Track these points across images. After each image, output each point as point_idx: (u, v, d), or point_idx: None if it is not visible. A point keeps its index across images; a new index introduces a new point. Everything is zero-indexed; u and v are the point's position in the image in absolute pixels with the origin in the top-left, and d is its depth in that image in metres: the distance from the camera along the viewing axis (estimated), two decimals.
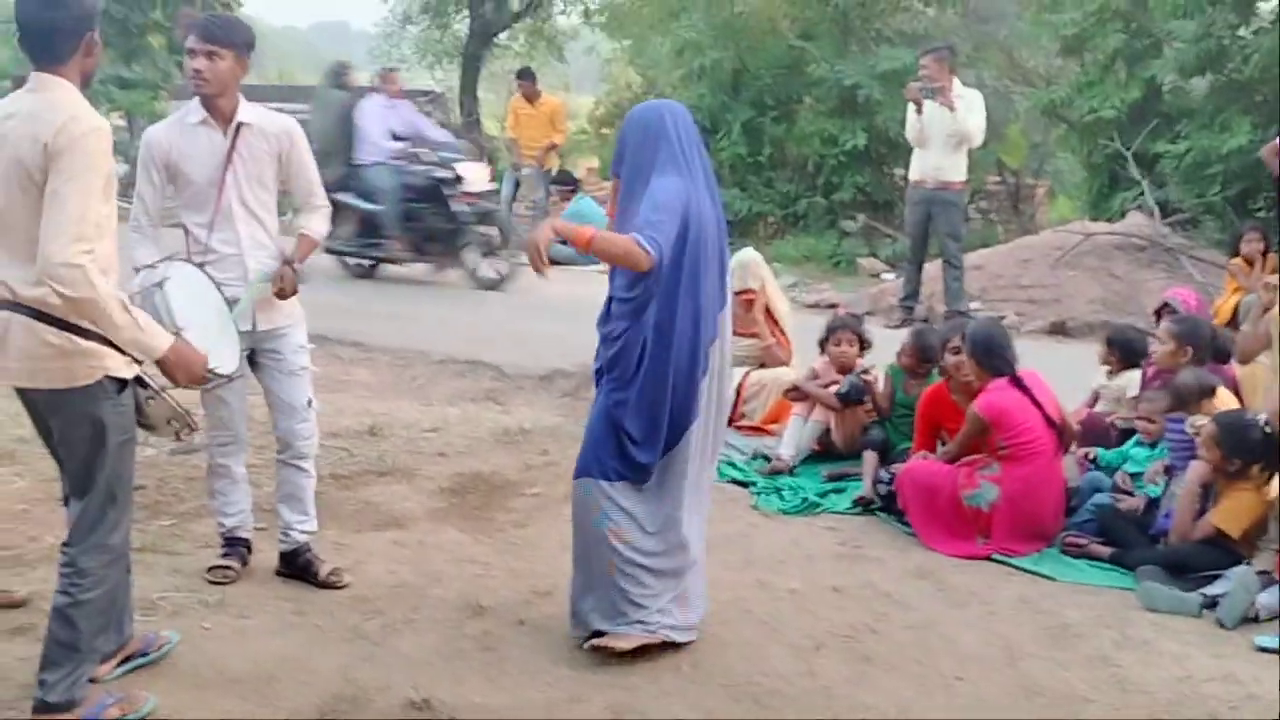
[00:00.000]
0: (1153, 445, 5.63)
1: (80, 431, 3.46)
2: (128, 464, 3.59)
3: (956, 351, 5.80)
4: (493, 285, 11.63)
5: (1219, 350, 5.83)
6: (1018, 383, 5.44)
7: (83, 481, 3.51)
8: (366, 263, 12.10)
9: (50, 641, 3.50)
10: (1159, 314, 6.68)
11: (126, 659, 3.88)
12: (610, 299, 4.16)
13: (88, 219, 3.24)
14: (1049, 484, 5.44)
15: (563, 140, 15.88)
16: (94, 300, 3.23)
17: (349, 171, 11.78)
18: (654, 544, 4.13)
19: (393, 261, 11.93)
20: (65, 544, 3.54)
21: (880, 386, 6.53)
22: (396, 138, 12.00)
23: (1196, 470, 5.11)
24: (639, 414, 4.05)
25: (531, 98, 15.17)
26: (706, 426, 4.16)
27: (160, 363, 3.45)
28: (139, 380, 3.56)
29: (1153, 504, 5.40)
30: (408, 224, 11.79)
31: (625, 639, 4.10)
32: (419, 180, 11.79)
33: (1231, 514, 4.98)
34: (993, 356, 5.53)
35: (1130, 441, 5.76)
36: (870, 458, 6.12)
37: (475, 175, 12.20)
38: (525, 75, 15.55)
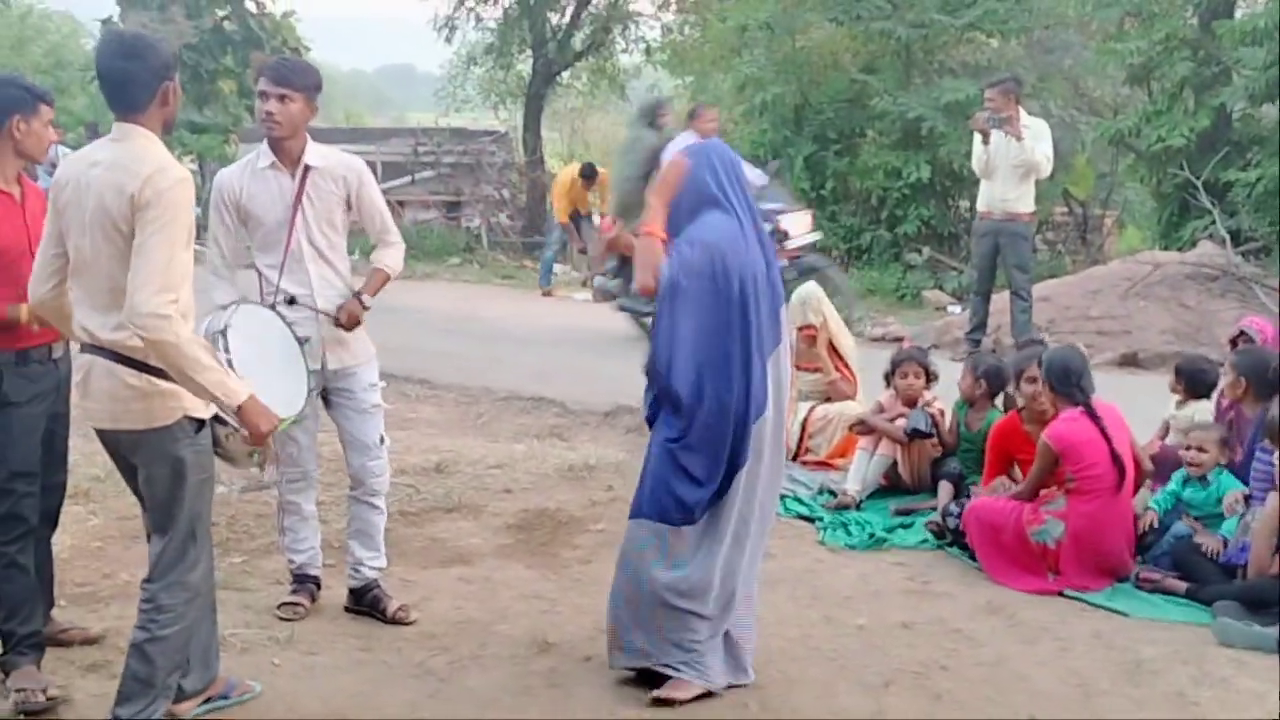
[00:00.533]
0: (1202, 479, 5.51)
1: (161, 470, 3.53)
2: (206, 502, 3.66)
3: (1033, 380, 5.74)
4: None
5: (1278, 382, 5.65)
6: (1091, 413, 5.35)
7: (163, 519, 3.57)
8: None
9: (127, 676, 3.56)
10: (1234, 343, 6.55)
11: (208, 699, 3.92)
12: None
13: (173, 269, 3.33)
14: (1116, 520, 5.33)
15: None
16: (178, 346, 3.31)
17: None
18: (700, 587, 4.07)
19: None
20: (146, 580, 3.60)
21: (947, 422, 6.48)
22: None
23: (1275, 502, 4.99)
24: (698, 452, 4.03)
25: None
26: (758, 468, 4.11)
27: (239, 411, 3.50)
28: (217, 418, 3.62)
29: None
30: None
31: (684, 689, 4.05)
32: None
33: None
34: (1068, 384, 5.44)
35: (1176, 478, 5.63)
36: (945, 488, 6.10)
37: (798, 227, 10.56)
38: (588, 173, 15.46)
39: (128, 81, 3.47)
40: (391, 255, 4.78)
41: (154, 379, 3.44)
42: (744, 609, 4.21)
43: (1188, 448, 5.57)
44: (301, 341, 4.33)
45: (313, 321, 4.53)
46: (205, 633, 3.83)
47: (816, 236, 11.26)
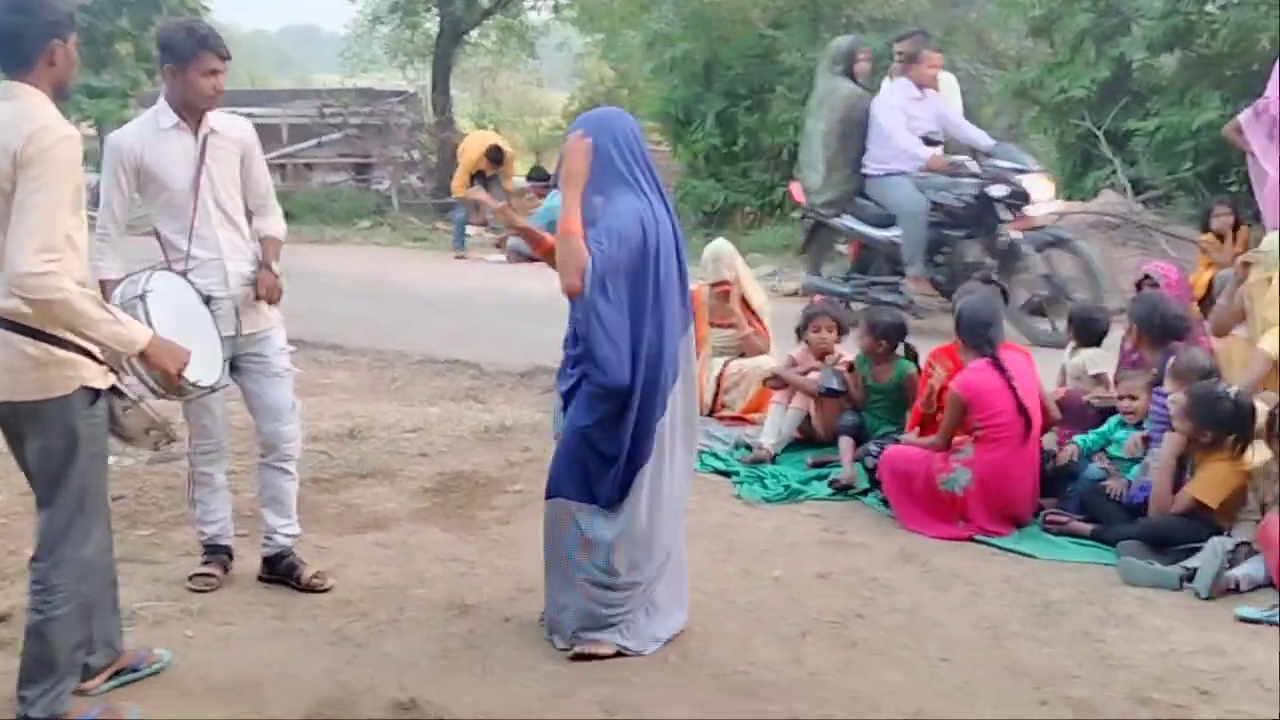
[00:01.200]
0: (1138, 425, 5.64)
1: (55, 443, 3.43)
2: (99, 476, 3.56)
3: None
4: (1051, 343, 8.02)
5: (1169, 328, 5.78)
6: (997, 364, 5.44)
7: (49, 491, 3.48)
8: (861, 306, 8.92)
9: (27, 658, 3.48)
10: (1139, 286, 6.69)
11: (117, 673, 3.85)
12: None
13: (56, 229, 3.21)
14: (1021, 468, 5.44)
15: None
16: (65, 300, 3.21)
17: (854, 187, 9.28)
18: (622, 563, 4.12)
19: (906, 309, 8.51)
20: (34, 558, 3.51)
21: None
22: (929, 141, 9.09)
23: (1171, 442, 5.13)
24: (614, 433, 4.03)
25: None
26: (674, 439, 4.13)
27: (143, 355, 3.43)
28: (116, 391, 3.53)
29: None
30: (934, 258, 9.12)
31: (604, 645, 4.11)
32: (958, 198, 8.88)
33: (1208, 485, 5.01)
34: (976, 336, 5.52)
35: (1111, 421, 5.76)
36: (846, 443, 6.14)
37: (1041, 191, 9.11)
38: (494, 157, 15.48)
39: (15, 36, 3.34)
40: (278, 222, 4.72)
41: (52, 348, 3.33)
42: (673, 574, 4.26)
43: (1121, 397, 5.70)
44: (213, 309, 4.24)
45: (223, 285, 4.45)
46: (108, 607, 3.76)
47: (1059, 206, 9.94)
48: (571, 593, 4.16)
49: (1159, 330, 5.72)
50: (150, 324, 3.65)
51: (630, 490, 4.09)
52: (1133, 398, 5.66)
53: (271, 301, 4.55)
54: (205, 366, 3.89)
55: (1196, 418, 5.02)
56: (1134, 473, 5.43)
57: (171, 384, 3.64)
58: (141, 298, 3.78)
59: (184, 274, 4.33)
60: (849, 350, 6.70)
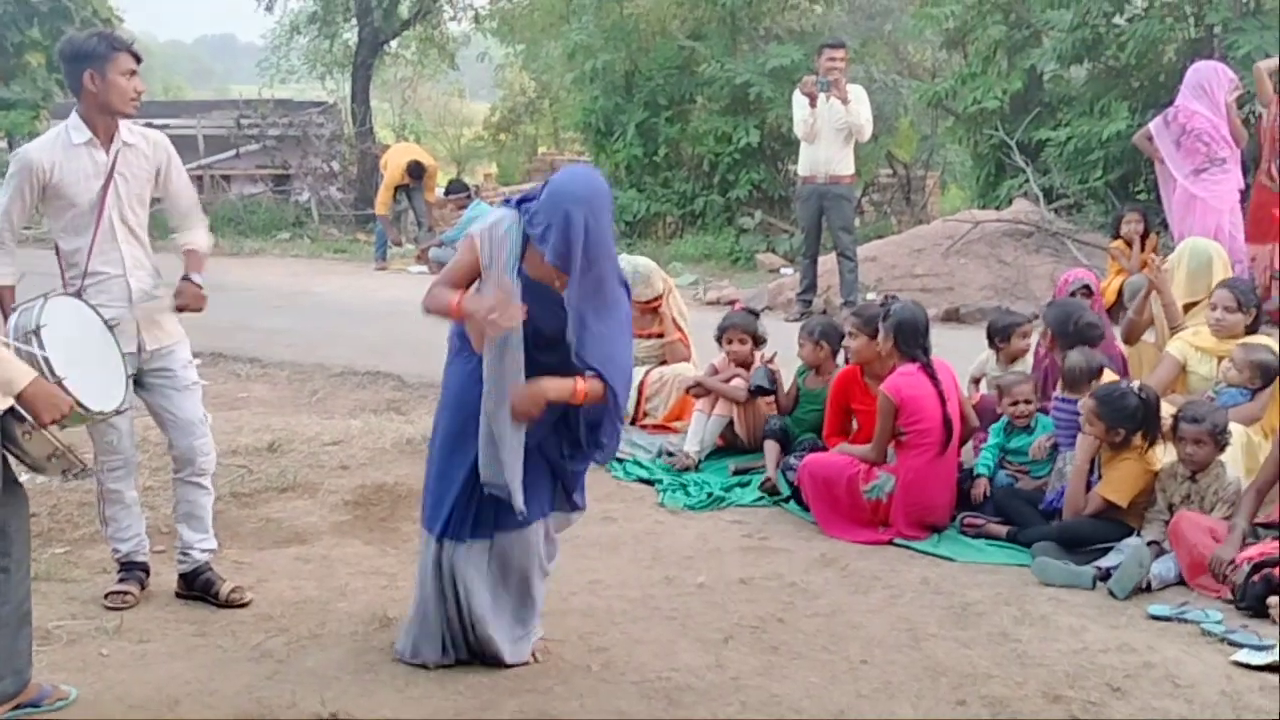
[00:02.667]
0: (1028, 429, 5.75)
1: None
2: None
3: (857, 337, 5.83)
4: None
5: (1080, 335, 5.90)
6: (929, 371, 5.51)
7: None
8: None
9: None
10: (1075, 295, 6.78)
11: (17, 705, 3.72)
12: None
13: None
14: (943, 475, 5.52)
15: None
16: None
17: None
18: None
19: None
20: None
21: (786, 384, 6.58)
22: None
23: (1083, 445, 5.24)
24: None
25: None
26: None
27: (20, 399, 3.34)
28: (15, 414, 3.43)
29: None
30: None
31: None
32: None
33: (1117, 484, 5.13)
34: (911, 342, 5.57)
35: (995, 427, 5.84)
36: (772, 448, 6.19)
37: None
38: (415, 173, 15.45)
39: None
40: (202, 235, 4.68)
41: None
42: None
43: (1013, 403, 5.78)
44: (111, 325, 4.17)
45: (125, 301, 4.39)
46: (18, 638, 3.66)
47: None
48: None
49: (1073, 336, 5.84)
50: (49, 361, 3.54)
51: None
52: (1026, 401, 5.76)
53: (194, 311, 4.51)
54: (106, 390, 3.83)
55: (1106, 417, 5.13)
56: (1044, 473, 5.54)
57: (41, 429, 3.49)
58: (36, 332, 3.67)
59: (79, 293, 4.27)
60: (775, 354, 6.74)
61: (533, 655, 4.15)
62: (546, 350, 3.87)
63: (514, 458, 3.89)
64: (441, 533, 4.02)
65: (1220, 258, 6.53)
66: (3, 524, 3.45)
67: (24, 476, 3.82)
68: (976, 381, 6.56)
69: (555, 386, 3.84)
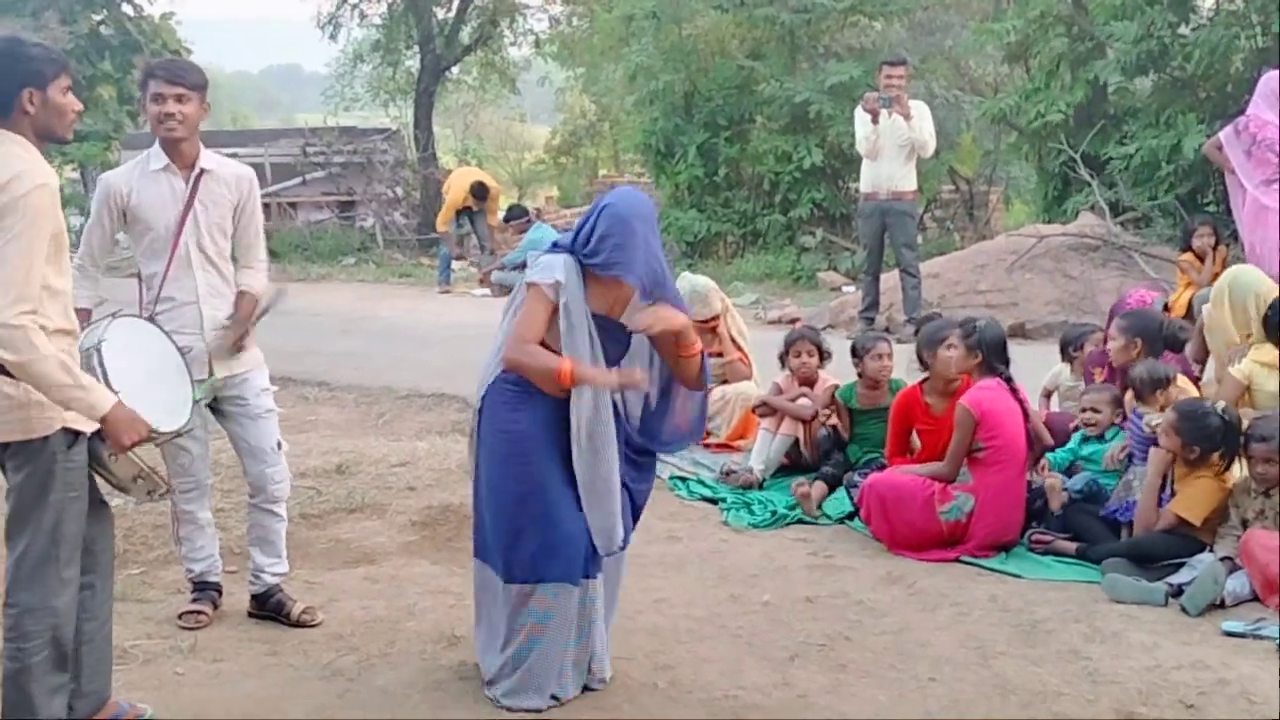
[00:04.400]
0: (1100, 438, 5.69)
1: (28, 482, 3.41)
2: (73, 521, 3.48)
3: (952, 347, 5.67)
4: None
5: (1171, 340, 5.88)
6: (1011, 386, 5.46)
7: (18, 529, 3.44)
8: None
9: (5, 706, 3.45)
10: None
11: None
12: None
13: (31, 279, 3.22)
14: (1018, 492, 5.47)
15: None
16: (25, 364, 3.21)
17: None
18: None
19: None
20: (6, 603, 3.47)
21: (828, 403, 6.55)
22: None
23: (1157, 459, 5.16)
24: None
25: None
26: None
27: (103, 422, 3.41)
28: (101, 435, 3.51)
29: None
30: None
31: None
32: None
33: (1191, 502, 5.05)
34: (998, 357, 5.53)
35: (1075, 437, 5.80)
36: (820, 489, 6.13)
37: None
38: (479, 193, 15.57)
39: None
40: (258, 278, 4.71)
41: (31, 389, 3.33)
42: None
43: (1083, 410, 5.73)
44: (183, 351, 4.22)
45: (197, 329, 4.47)
46: (101, 656, 3.73)
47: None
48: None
49: (1162, 342, 5.78)
50: (106, 375, 3.60)
51: None
52: (1096, 410, 5.70)
53: (241, 349, 4.55)
54: (169, 410, 3.88)
55: (1185, 433, 5.05)
56: (1114, 482, 5.48)
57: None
58: (97, 348, 3.72)
59: (152, 317, 4.34)
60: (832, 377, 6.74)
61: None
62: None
63: (615, 501, 4.01)
64: (584, 574, 4.02)
65: (1264, 282, 6.30)
66: (90, 543, 3.54)
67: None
68: (1049, 395, 6.50)
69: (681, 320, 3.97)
